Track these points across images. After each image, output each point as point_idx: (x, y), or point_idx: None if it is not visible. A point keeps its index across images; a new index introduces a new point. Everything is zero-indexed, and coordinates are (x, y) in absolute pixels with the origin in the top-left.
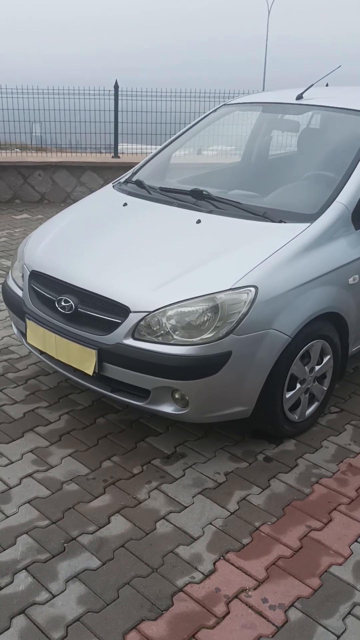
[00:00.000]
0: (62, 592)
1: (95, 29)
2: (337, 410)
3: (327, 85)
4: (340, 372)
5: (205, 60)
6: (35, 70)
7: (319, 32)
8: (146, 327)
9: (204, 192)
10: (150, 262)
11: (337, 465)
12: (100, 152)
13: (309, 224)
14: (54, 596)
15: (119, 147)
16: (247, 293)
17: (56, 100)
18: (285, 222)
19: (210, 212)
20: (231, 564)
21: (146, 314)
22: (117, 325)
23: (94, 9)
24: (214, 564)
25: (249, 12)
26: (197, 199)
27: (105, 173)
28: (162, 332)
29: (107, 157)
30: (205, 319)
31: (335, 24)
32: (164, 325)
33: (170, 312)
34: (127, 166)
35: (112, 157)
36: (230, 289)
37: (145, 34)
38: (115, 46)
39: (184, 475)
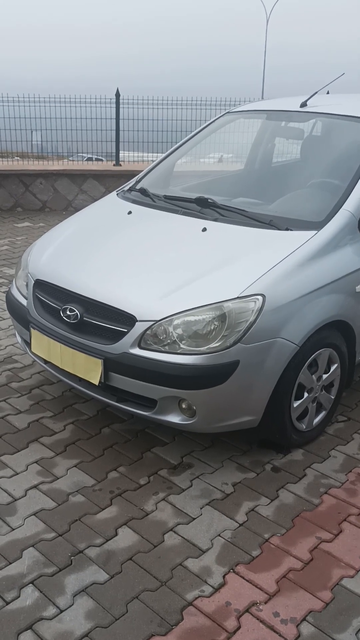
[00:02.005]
0: (70, 606)
1: (96, 36)
2: (345, 419)
3: (328, 92)
4: (347, 380)
5: (203, 67)
6: (34, 77)
7: (318, 39)
8: (153, 337)
9: (209, 200)
10: (156, 270)
11: (345, 475)
12: (101, 161)
13: (315, 231)
14: (61, 611)
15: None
16: (255, 301)
17: (56, 108)
18: (291, 230)
19: (215, 220)
20: (241, 576)
21: (153, 323)
22: (123, 334)
23: (94, 17)
24: (224, 577)
25: (248, 19)
26: (202, 207)
27: (107, 181)
28: (169, 341)
29: (108, 165)
30: (212, 327)
31: (334, 31)
32: (170, 334)
33: (177, 321)
34: (128, 174)
35: (114, 165)
36: (238, 297)
37: (145, 41)
38: (115, 54)
39: (191, 485)
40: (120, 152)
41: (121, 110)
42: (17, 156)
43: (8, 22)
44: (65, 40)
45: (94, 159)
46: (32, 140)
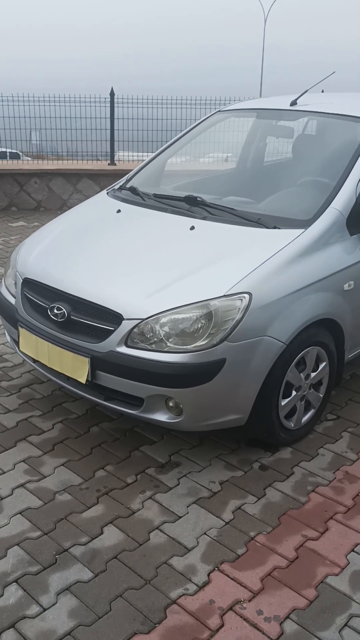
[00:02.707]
0: (53, 605)
1: (95, 36)
2: (334, 418)
3: (322, 91)
4: (336, 379)
5: (203, 67)
6: (31, 77)
7: (317, 39)
8: (139, 335)
9: (197, 199)
10: (143, 268)
11: (333, 473)
12: (99, 160)
13: (303, 230)
14: (44, 609)
15: (117, 154)
16: (241, 299)
17: (53, 107)
18: (279, 228)
19: (204, 218)
20: (226, 575)
21: (139, 321)
22: (110, 332)
23: (94, 17)
24: (209, 575)
25: (246, 19)
26: (191, 205)
27: (102, 180)
28: (156, 339)
29: (103, 165)
30: (199, 326)
31: (333, 31)
32: (157, 332)
33: (163, 319)
34: (123, 173)
35: (109, 164)
36: (224, 295)
37: (143, 41)
38: (113, 53)
39: (178, 484)
40: (120, 152)
41: (119, 109)
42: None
43: (8, 22)
44: (64, 40)
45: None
46: (30, 140)
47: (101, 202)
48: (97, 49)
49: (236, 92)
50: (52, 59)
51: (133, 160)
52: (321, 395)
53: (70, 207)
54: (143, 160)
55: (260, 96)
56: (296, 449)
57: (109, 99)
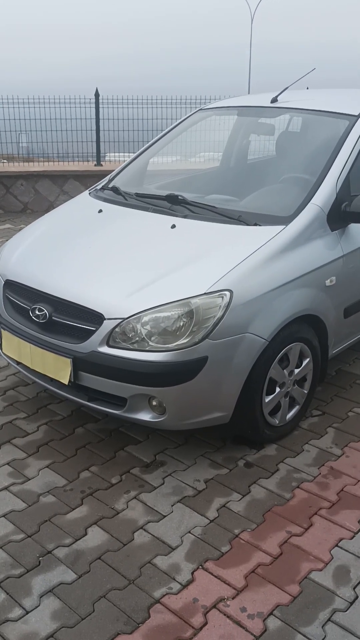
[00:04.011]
0: (36, 607)
1: (78, 37)
2: (319, 414)
3: (307, 88)
4: (321, 375)
5: (190, 67)
6: (17, 79)
7: (304, 38)
8: (121, 334)
9: (179, 197)
10: (124, 268)
11: (318, 469)
12: (88, 161)
13: (283, 226)
14: (27, 612)
15: (106, 155)
16: (222, 297)
17: (39, 109)
18: (260, 225)
19: (185, 216)
20: (210, 573)
21: (121, 320)
22: (91, 332)
23: (74, 18)
24: (192, 573)
25: (233, 19)
26: (173, 204)
27: (88, 181)
28: (138, 338)
29: (89, 166)
30: (181, 324)
31: (320, 29)
32: (139, 331)
33: (145, 318)
34: (109, 174)
35: (95, 165)
36: (205, 293)
37: (129, 43)
38: (99, 55)
39: (163, 483)
40: (109, 153)
41: (106, 110)
42: (4, 159)
43: (2, 22)
44: (58, 41)
45: None
46: (19, 143)
47: (83, 203)
48: (88, 49)
49: (225, 91)
50: (47, 60)
51: (120, 161)
52: (305, 392)
53: None
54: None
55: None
56: (281, 446)
57: (93, 100)
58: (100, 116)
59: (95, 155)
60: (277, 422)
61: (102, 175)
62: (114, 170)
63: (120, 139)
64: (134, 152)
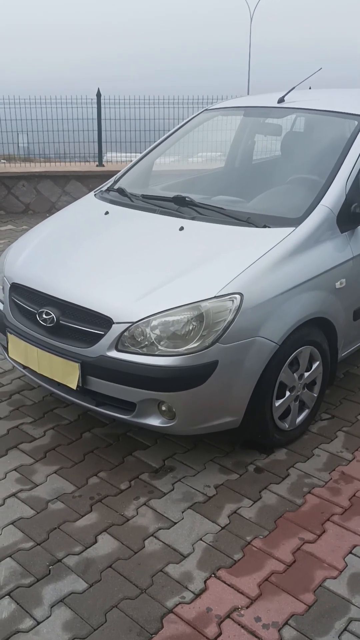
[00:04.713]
0: (47, 618)
1: (77, 37)
2: (328, 417)
3: (310, 88)
4: (330, 378)
5: (189, 67)
6: (18, 79)
7: (303, 37)
8: (130, 338)
9: (186, 199)
10: (132, 271)
11: (329, 474)
12: (88, 161)
13: (293, 228)
14: (38, 623)
15: (106, 155)
16: (233, 300)
17: (40, 109)
18: (269, 227)
19: (193, 218)
20: (222, 581)
21: (130, 324)
22: (100, 337)
23: (74, 18)
24: (205, 582)
25: (232, 18)
26: (180, 206)
27: (90, 182)
28: (147, 342)
29: (91, 166)
30: (191, 328)
31: (319, 29)
32: (148, 335)
33: (154, 322)
34: (111, 174)
35: (97, 165)
36: (215, 296)
37: (128, 43)
38: (98, 55)
39: (173, 489)
40: (109, 153)
41: (107, 110)
42: (3, 159)
43: (2, 21)
44: (58, 41)
45: None
46: (18, 143)
47: (89, 204)
48: (88, 50)
49: (223, 91)
50: (46, 61)
51: (122, 162)
52: (315, 395)
53: (58, 210)
54: (131, 161)
55: (248, 95)
56: (291, 450)
57: (94, 100)
58: (102, 116)
59: (97, 155)
60: (287, 426)
61: (104, 175)
62: (116, 171)
63: (121, 139)
64: (134, 153)
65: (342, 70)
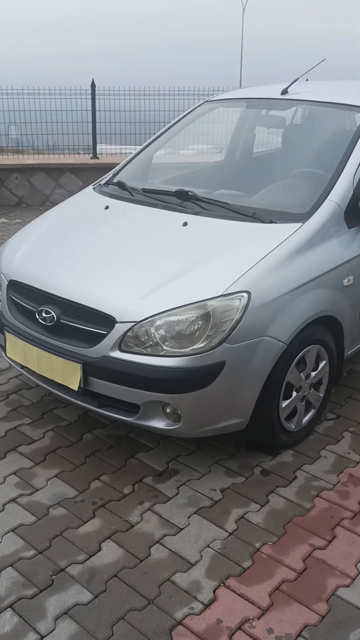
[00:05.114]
0: (52, 631)
1: (70, 28)
2: (334, 417)
3: (307, 80)
4: (336, 377)
5: (182, 58)
6: (8, 69)
7: (295, 29)
8: (134, 338)
9: (189, 193)
10: (135, 268)
11: (337, 476)
12: (79, 153)
13: (300, 223)
14: (42, 637)
15: (98, 147)
16: (240, 299)
17: (31, 100)
18: (276, 223)
19: (196, 213)
20: (232, 590)
21: (133, 324)
22: (102, 336)
23: (66, 9)
24: (214, 591)
25: (225, 9)
26: (183, 200)
27: (85, 174)
28: (151, 342)
29: (85, 158)
30: (196, 327)
31: (312, 20)
32: (152, 335)
33: (158, 322)
34: (106, 167)
35: (91, 158)
36: (222, 295)
37: (120, 33)
38: (91, 45)
39: (177, 493)
40: (100, 144)
41: (98, 101)
42: None
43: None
44: (41, 32)
45: None
46: (8, 134)
47: (88, 198)
48: (72, 40)
49: (215, 82)
50: (28, 51)
51: (115, 154)
52: (321, 395)
53: (52, 203)
54: (126, 153)
55: (241, 86)
56: (297, 452)
57: (89, 91)
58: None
59: (89, 147)
60: (293, 427)
61: (98, 168)
62: (111, 163)
63: (113, 131)
64: (126, 145)
65: (338, 63)
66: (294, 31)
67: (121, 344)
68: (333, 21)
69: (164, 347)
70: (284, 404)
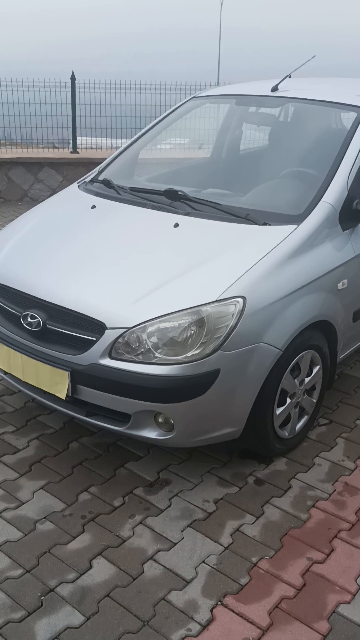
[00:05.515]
0: None
1: (47, 19)
2: (326, 422)
3: (289, 76)
4: (329, 381)
5: (159, 52)
6: None
7: (273, 24)
8: (125, 345)
9: (179, 193)
10: (126, 271)
11: (332, 485)
12: (56, 147)
13: (295, 226)
14: None
15: (71, 142)
16: (235, 304)
17: (9, 92)
18: (269, 225)
19: (187, 214)
20: (230, 609)
21: (124, 330)
22: (91, 343)
23: (47, 1)
24: (212, 611)
25: (202, 4)
26: (173, 200)
27: (64, 169)
28: (143, 350)
29: (65, 153)
30: (190, 334)
31: (289, 15)
32: (144, 342)
33: (151, 328)
34: (86, 162)
35: (71, 152)
36: (217, 300)
37: (98, 26)
38: (67, 37)
39: (170, 505)
40: (79, 137)
41: (79, 94)
42: None
43: None
44: (21, 23)
45: None
46: None
47: (73, 197)
48: (50, 32)
49: (193, 76)
50: (7, 41)
51: (95, 148)
52: (314, 401)
53: (31, 198)
54: (105, 148)
55: (218, 81)
56: (291, 459)
57: (69, 84)
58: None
59: (68, 141)
60: (287, 434)
61: (78, 163)
62: (91, 158)
63: (92, 125)
64: (106, 138)
65: (323, 58)
66: (270, 26)
67: (111, 351)
68: (312, 16)
69: (157, 355)
70: (278, 411)
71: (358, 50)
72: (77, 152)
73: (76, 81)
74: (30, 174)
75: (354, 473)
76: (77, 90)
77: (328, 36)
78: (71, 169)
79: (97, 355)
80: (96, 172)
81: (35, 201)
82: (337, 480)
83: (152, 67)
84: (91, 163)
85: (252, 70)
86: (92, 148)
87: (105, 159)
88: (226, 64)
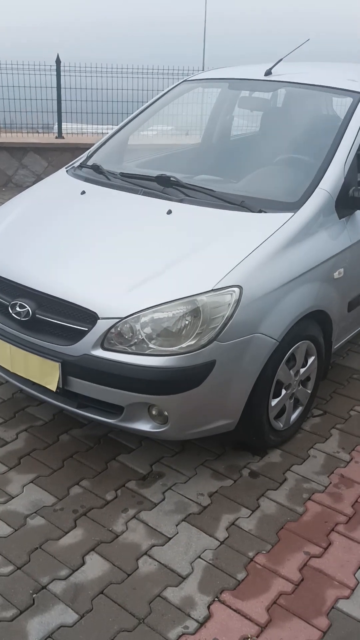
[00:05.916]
0: None
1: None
2: (320, 413)
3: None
4: (323, 372)
5: (143, 36)
6: None
7: (258, 8)
8: (117, 336)
9: (171, 179)
10: (118, 260)
11: (328, 477)
12: (39, 132)
13: (291, 213)
14: None
15: (55, 126)
16: (231, 294)
17: None
18: (265, 212)
19: (181, 201)
20: (227, 606)
21: (117, 320)
22: (83, 333)
23: None
24: (209, 607)
25: None
26: (165, 186)
27: (49, 155)
28: (136, 340)
29: (50, 138)
30: (185, 324)
31: (279, 1)
32: (137, 332)
33: (144, 319)
34: (72, 147)
35: (56, 137)
36: (212, 289)
37: (82, 9)
38: (48, 21)
39: (163, 499)
40: (65, 123)
41: (64, 78)
42: None
43: None
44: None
45: None
46: None
47: (62, 182)
48: (33, 15)
49: (178, 61)
50: None
51: (81, 133)
52: (309, 392)
53: (15, 184)
54: (92, 133)
55: (204, 66)
56: (286, 451)
57: (54, 67)
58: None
59: (53, 126)
60: (282, 425)
61: (64, 148)
62: (77, 143)
63: (78, 110)
64: (92, 124)
65: (313, 45)
66: (257, 10)
67: (104, 342)
68: (298, 2)
69: (150, 346)
70: (274, 402)
71: (354, 37)
72: (63, 137)
73: (61, 64)
74: (14, 159)
75: (350, 465)
76: (63, 74)
77: (323, 23)
78: (57, 155)
79: (89, 346)
80: (85, 157)
81: (20, 187)
82: (332, 472)
83: (135, 50)
84: (77, 149)
85: (239, 55)
86: (77, 133)
87: (92, 144)
88: (211, 50)
